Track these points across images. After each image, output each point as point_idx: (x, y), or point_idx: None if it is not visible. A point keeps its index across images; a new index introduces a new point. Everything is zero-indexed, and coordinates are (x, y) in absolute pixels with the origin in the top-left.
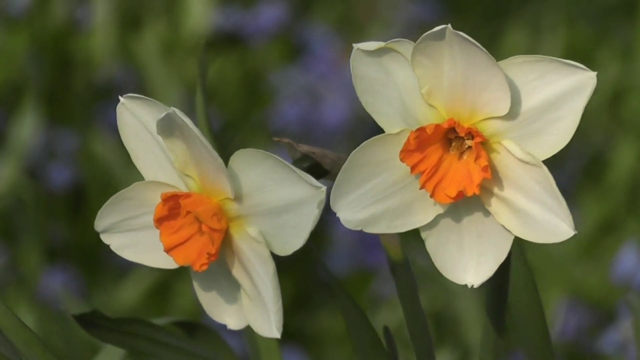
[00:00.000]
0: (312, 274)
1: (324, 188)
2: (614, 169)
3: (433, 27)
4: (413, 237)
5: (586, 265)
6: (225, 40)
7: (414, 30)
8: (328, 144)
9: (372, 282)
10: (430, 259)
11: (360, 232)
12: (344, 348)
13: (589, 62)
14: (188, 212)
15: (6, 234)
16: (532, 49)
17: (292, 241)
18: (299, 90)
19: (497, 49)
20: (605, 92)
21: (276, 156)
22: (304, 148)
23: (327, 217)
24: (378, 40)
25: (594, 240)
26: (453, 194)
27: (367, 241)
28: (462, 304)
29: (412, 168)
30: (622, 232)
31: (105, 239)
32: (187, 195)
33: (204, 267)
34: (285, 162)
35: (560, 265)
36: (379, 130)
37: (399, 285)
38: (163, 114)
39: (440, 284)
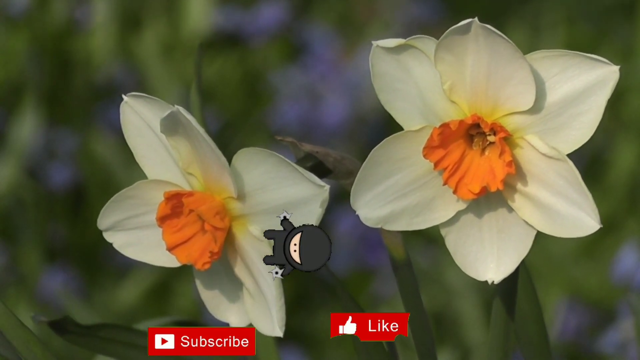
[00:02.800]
0: (312, 274)
1: (327, 187)
2: (614, 169)
3: (433, 27)
4: (414, 238)
5: (586, 265)
6: (225, 40)
7: (413, 30)
8: (328, 144)
9: (372, 282)
10: (430, 259)
11: (360, 232)
12: (344, 348)
13: None
14: (191, 211)
15: (6, 234)
16: (532, 49)
17: None
18: (299, 90)
19: None
20: None
21: (279, 155)
22: (307, 147)
23: (328, 216)
24: (379, 39)
25: (594, 240)
26: (476, 189)
27: (367, 241)
28: (462, 304)
29: (436, 164)
30: (622, 232)
31: (108, 237)
32: (190, 194)
33: (207, 266)
34: (288, 160)
35: (560, 265)
36: (379, 130)
37: (401, 284)
38: (167, 113)
39: (440, 284)
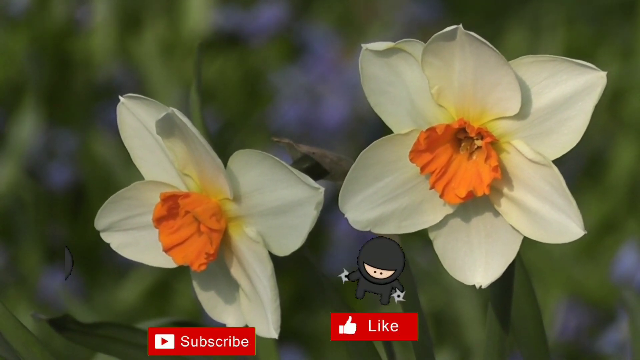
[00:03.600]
0: (311, 274)
1: (322, 189)
2: (614, 168)
3: (432, 27)
4: (413, 238)
5: (586, 265)
6: (225, 40)
7: (413, 30)
8: (328, 144)
9: None
10: (430, 259)
11: (360, 232)
12: (343, 348)
13: (588, 62)
14: (187, 212)
15: (6, 234)
16: (531, 49)
17: (291, 242)
18: (299, 90)
19: (497, 49)
20: (605, 92)
21: (274, 157)
22: (304, 148)
23: (327, 217)
24: (379, 40)
25: (594, 240)
26: (463, 194)
27: (366, 241)
28: (462, 304)
29: (422, 168)
30: (622, 232)
31: (106, 237)
32: (186, 195)
33: (203, 267)
34: (283, 163)
35: (560, 265)
36: (379, 131)
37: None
38: (162, 114)
39: (440, 284)
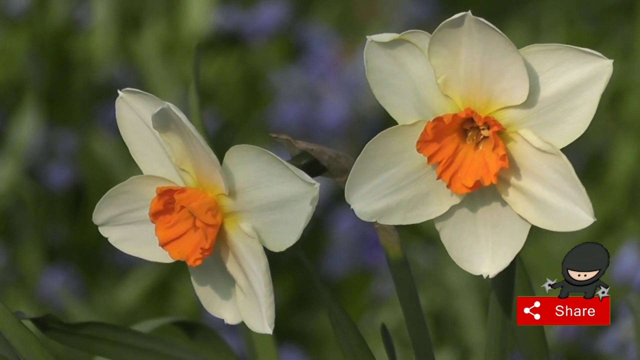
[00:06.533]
0: (312, 274)
1: (317, 184)
2: (614, 168)
3: (432, 27)
4: (413, 237)
5: None
6: (225, 40)
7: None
8: (327, 144)
9: (372, 282)
10: (430, 259)
11: (359, 231)
12: (339, 348)
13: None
14: (182, 207)
15: (6, 234)
16: None
17: (286, 237)
18: (299, 90)
19: None
20: (605, 92)
21: (270, 152)
22: (302, 145)
23: (326, 216)
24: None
25: (594, 239)
26: (470, 183)
27: (366, 241)
28: (462, 304)
29: (429, 158)
30: (622, 232)
31: (104, 231)
32: (182, 190)
33: (198, 262)
34: (279, 158)
35: (559, 265)
36: (379, 130)
37: (398, 284)
38: (158, 109)
39: (440, 284)
